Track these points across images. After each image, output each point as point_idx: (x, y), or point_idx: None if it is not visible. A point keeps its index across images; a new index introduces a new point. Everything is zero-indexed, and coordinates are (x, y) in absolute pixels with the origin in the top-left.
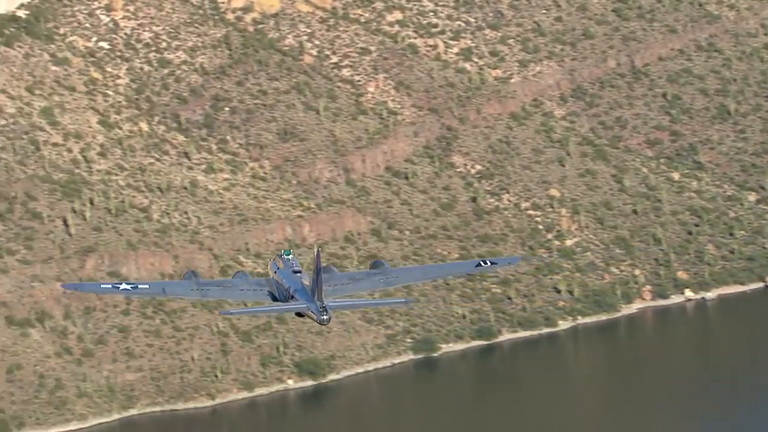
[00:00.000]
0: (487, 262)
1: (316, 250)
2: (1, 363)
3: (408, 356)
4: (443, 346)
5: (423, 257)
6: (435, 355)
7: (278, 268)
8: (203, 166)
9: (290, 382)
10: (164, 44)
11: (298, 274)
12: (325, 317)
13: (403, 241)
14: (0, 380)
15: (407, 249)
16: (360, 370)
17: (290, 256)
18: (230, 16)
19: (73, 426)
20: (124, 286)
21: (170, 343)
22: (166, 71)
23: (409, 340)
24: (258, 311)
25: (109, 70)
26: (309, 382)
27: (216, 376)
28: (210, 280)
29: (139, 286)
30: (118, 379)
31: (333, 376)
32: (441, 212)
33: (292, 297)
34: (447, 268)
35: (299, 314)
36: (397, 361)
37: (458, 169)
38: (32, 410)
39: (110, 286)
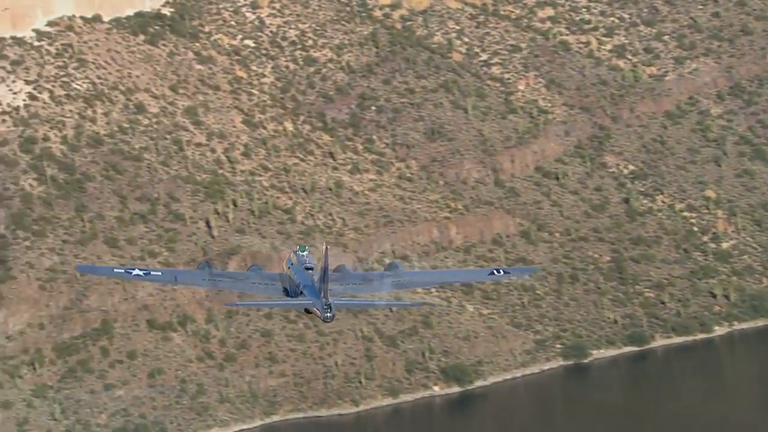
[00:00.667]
0: (501, 270)
1: (324, 247)
2: (142, 367)
3: (557, 362)
4: (594, 352)
5: (573, 260)
6: (585, 361)
7: (292, 264)
8: (348, 167)
9: (436, 388)
10: (310, 42)
11: (310, 271)
12: (328, 314)
13: (553, 244)
14: (141, 385)
15: (557, 252)
16: (508, 376)
17: (304, 253)
18: (378, 13)
19: None
20: (136, 271)
21: (314, 347)
22: (311, 69)
23: (558, 346)
24: (263, 305)
25: (254, 68)
26: (455, 389)
27: (360, 381)
28: (224, 272)
29: (152, 273)
30: (260, 385)
31: (480, 383)
32: (592, 214)
33: (302, 293)
34: (460, 275)
35: (308, 310)
36: (546, 367)
37: (610, 170)
38: (173, 416)
39: (123, 270)
